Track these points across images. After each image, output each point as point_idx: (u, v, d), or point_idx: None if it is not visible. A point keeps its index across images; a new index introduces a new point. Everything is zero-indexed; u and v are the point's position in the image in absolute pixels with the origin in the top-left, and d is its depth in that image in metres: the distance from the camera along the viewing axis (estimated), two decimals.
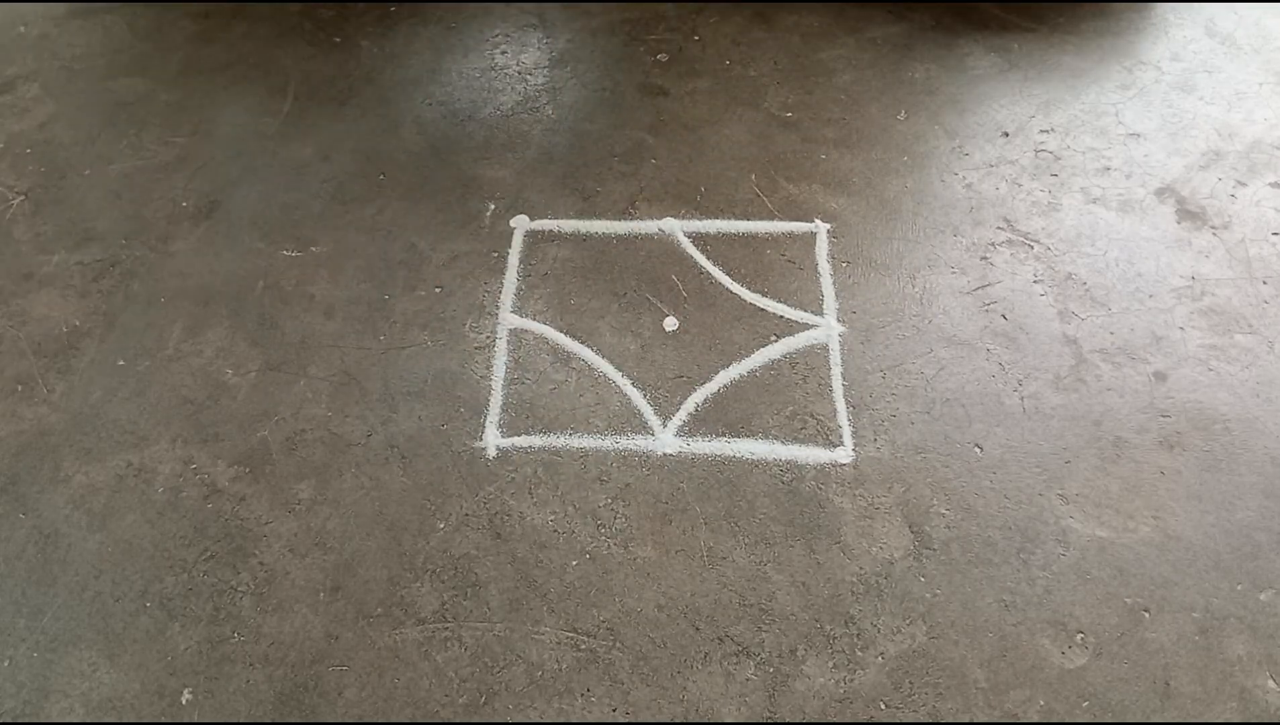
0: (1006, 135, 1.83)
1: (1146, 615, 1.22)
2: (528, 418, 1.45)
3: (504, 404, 1.47)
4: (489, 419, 1.46)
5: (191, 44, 2.12)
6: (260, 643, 1.24)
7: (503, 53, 2.06)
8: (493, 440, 1.43)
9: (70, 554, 1.33)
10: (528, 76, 2.00)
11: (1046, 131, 1.83)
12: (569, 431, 1.44)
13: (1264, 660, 1.17)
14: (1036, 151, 1.80)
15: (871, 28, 2.06)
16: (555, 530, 1.33)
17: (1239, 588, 1.24)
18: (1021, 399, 1.44)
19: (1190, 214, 1.69)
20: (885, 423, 1.42)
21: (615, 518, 1.34)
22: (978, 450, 1.39)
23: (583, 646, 1.22)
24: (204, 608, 1.27)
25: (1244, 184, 1.72)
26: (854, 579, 1.27)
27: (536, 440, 1.43)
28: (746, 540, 1.31)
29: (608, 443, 1.42)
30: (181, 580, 1.30)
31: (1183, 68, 1.94)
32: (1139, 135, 1.82)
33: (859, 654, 1.20)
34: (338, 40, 2.10)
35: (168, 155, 1.88)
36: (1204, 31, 2.02)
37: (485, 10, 2.14)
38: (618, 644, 1.22)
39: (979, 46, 2.02)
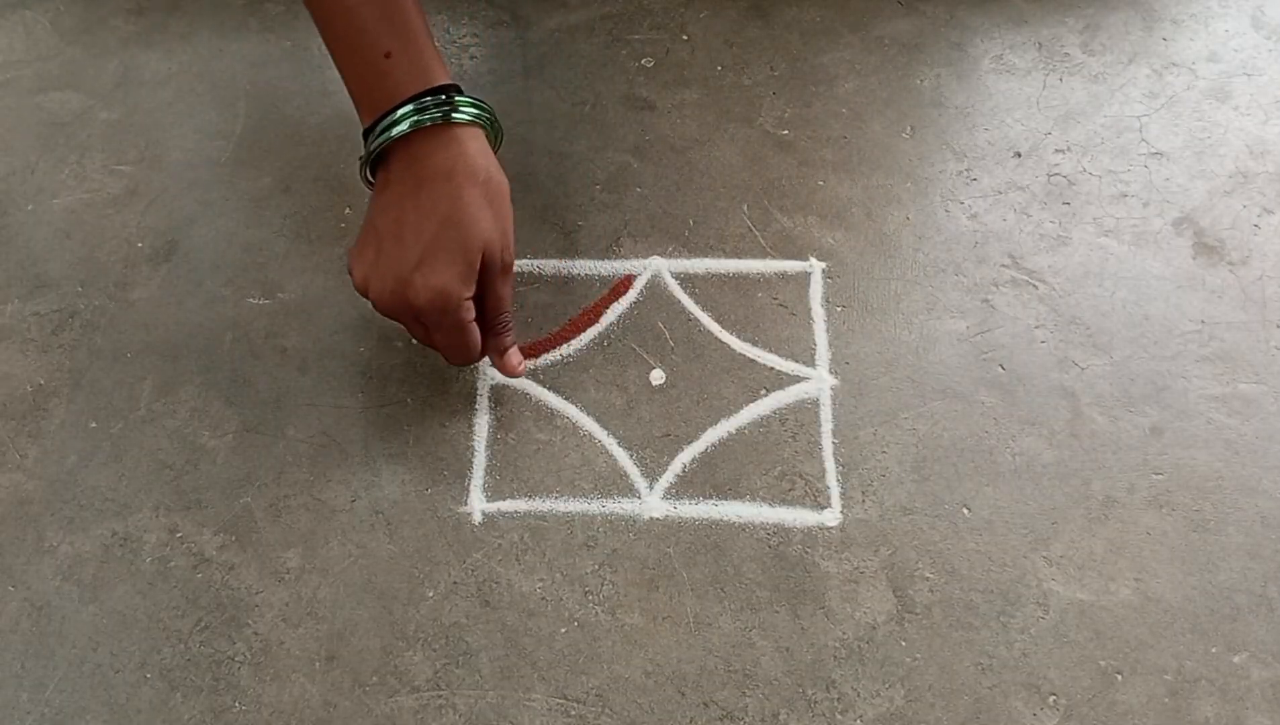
0: (1019, 156, 1.71)
1: (1119, 678, 1.27)
2: (512, 480, 1.45)
3: (488, 466, 1.46)
4: (473, 482, 1.45)
5: (127, 48, 1.93)
6: (262, 711, 1.30)
7: (472, 57, 1.88)
8: (478, 505, 1.44)
9: (65, 627, 1.36)
10: (500, 87, 1.84)
11: (1062, 151, 1.71)
12: (554, 494, 1.44)
13: (1231, 722, 1.23)
14: (1049, 176, 1.69)
15: (878, 23, 1.88)
16: (543, 598, 1.36)
17: (1213, 650, 1.28)
18: (1013, 457, 1.43)
19: (1208, 247, 1.61)
20: (874, 482, 1.42)
21: (603, 584, 1.37)
22: (966, 511, 1.40)
23: (573, 713, 1.27)
24: (204, 678, 1.32)
25: (1270, 211, 1.63)
26: (837, 644, 1.31)
27: (522, 504, 1.43)
28: (732, 606, 1.34)
29: (594, 506, 1.43)
30: (179, 651, 1.34)
31: (1219, 70, 1.79)
32: (1162, 154, 1.71)
33: (838, 717, 1.26)
34: (288, 45, 1.91)
35: (116, 187, 1.76)
36: (1250, 23, 1.84)
37: (450, 5, 1.94)
38: (606, 710, 1.28)
39: (995, 45, 1.85)
